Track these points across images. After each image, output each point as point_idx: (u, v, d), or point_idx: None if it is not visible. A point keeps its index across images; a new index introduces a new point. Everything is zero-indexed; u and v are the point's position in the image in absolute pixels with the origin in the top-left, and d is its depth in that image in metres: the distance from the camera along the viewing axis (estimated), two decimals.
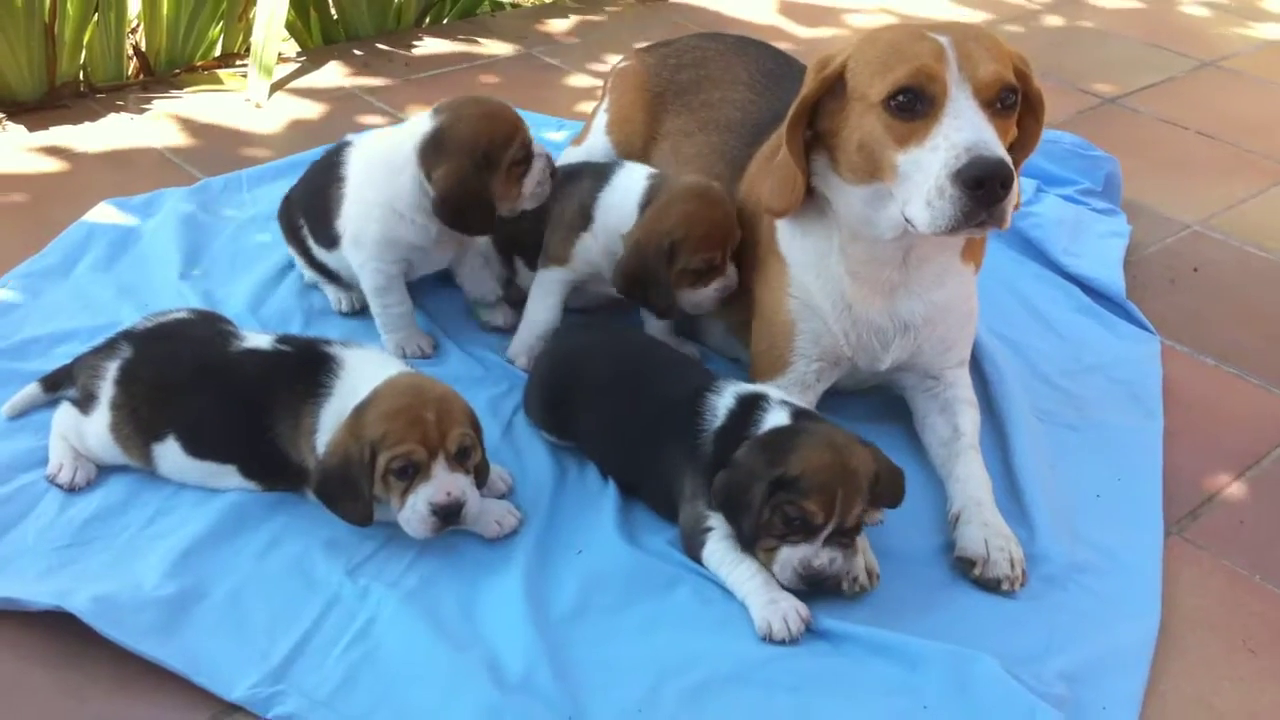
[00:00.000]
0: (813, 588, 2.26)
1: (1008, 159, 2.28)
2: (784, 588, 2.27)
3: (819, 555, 2.23)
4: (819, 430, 2.29)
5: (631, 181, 2.89)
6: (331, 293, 3.12)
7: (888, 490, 2.32)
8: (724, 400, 2.42)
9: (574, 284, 2.97)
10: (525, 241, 3.03)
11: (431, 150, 2.78)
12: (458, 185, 2.75)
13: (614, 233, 2.85)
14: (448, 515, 2.30)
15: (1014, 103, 2.39)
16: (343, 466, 2.28)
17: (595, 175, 2.95)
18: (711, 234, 2.77)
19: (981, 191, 2.25)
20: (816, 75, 2.51)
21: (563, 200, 2.96)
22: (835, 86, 2.49)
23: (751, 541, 2.28)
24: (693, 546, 2.39)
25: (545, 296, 2.95)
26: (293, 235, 3.11)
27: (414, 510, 2.29)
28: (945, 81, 2.32)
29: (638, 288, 2.80)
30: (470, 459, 2.35)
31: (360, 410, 2.31)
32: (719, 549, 2.34)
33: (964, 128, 2.29)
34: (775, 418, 2.35)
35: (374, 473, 2.28)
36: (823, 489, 2.20)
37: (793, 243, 2.71)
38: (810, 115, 2.54)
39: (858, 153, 2.44)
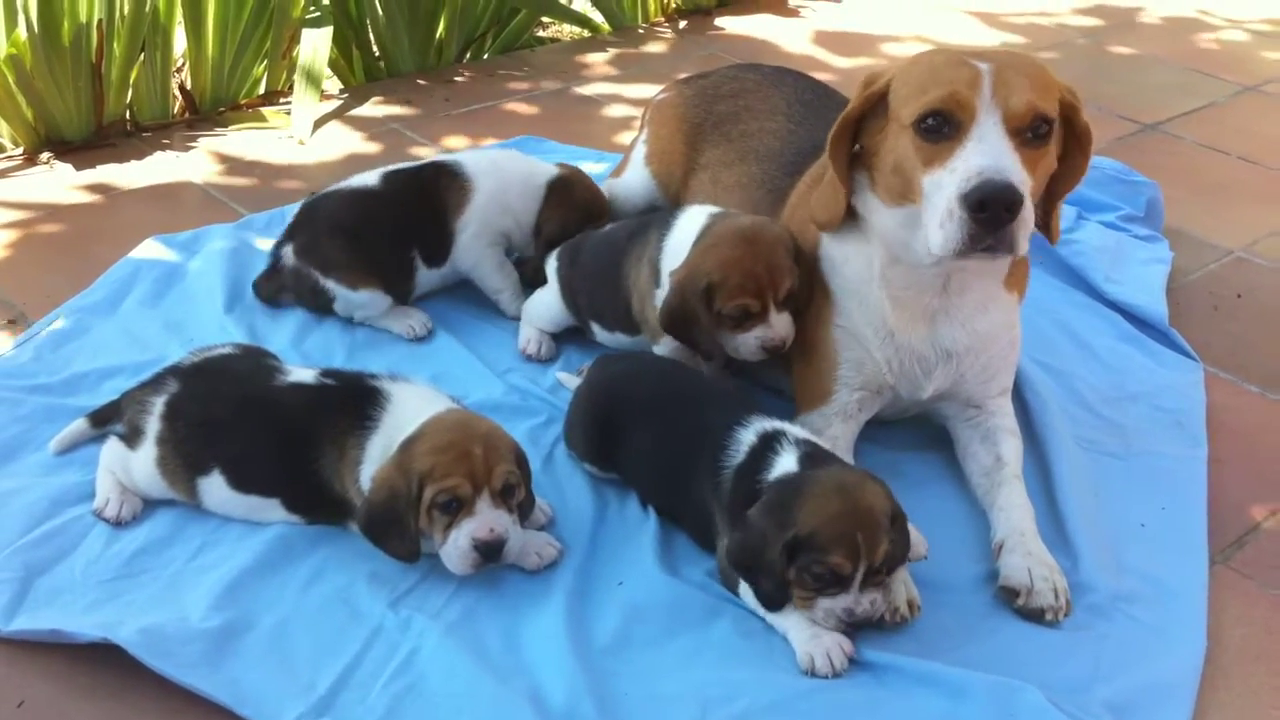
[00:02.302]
0: (855, 627, 2.25)
1: (1022, 185, 2.28)
2: None
3: (860, 603, 2.21)
4: (824, 477, 2.24)
5: (692, 224, 2.84)
6: (400, 322, 3.17)
7: (902, 525, 2.27)
8: (747, 435, 2.40)
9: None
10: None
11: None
12: (678, 309, 2.73)
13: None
14: (489, 552, 2.31)
15: (1047, 133, 2.39)
16: (389, 501, 2.30)
17: (660, 227, 2.90)
18: (747, 281, 2.67)
19: (985, 215, 2.26)
20: (862, 92, 2.54)
21: (631, 263, 2.94)
22: (878, 105, 2.52)
23: (774, 603, 2.25)
24: (729, 582, 2.39)
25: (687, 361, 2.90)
26: (374, 266, 3.17)
27: (456, 545, 2.30)
28: (974, 108, 2.33)
29: (680, 327, 2.74)
30: (514, 496, 2.36)
31: (408, 444, 2.32)
32: None
33: (983, 152, 2.31)
34: (784, 462, 2.31)
35: (419, 506, 2.29)
36: (841, 539, 2.16)
37: (835, 270, 2.72)
38: (855, 132, 2.57)
39: (893, 173, 2.47)
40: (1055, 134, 2.44)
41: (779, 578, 2.20)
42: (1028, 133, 2.35)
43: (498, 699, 2.13)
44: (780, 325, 2.72)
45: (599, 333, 3.09)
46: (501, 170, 3.27)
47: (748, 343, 2.74)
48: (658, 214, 3.04)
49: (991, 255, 2.35)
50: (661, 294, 2.82)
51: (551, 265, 3.15)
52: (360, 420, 2.42)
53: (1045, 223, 2.60)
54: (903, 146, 2.43)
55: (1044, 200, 2.56)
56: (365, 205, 3.19)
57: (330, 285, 3.13)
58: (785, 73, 3.40)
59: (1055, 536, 2.58)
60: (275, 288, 3.22)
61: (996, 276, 2.64)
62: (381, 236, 3.17)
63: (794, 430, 2.41)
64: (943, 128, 2.36)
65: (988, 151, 2.30)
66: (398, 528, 2.31)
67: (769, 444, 2.35)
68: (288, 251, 3.17)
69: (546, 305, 3.14)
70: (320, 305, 3.19)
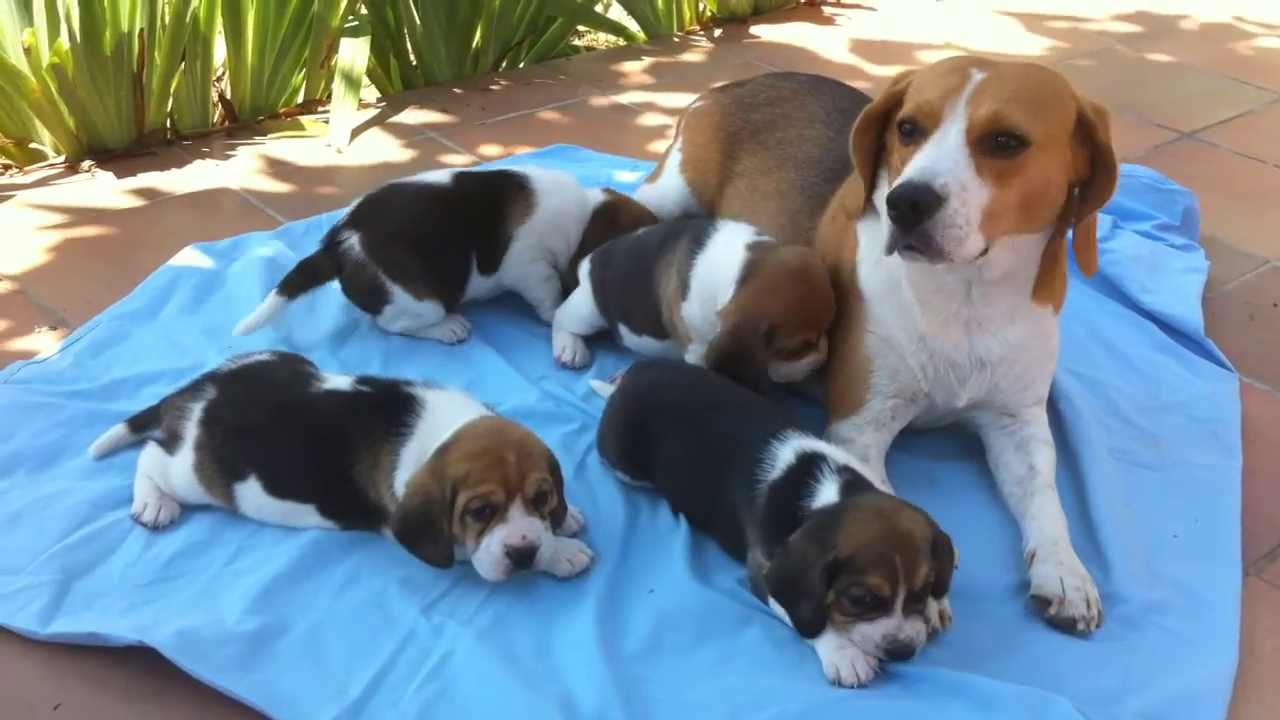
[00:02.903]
0: (894, 657, 2.22)
1: (948, 188, 2.31)
2: None
3: (903, 629, 2.18)
4: (864, 504, 2.24)
5: (730, 250, 2.83)
6: (442, 328, 3.19)
7: (946, 554, 2.27)
8: (785, 453, 2.39)
9: None
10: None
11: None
12: (733, 351, 2.74)
13: (710, 300, 2.82)
14: (520, 558, 2.33)
15: (1015, 147, 2.37)
16: (424, 507, 2.32)
17: (692, 239, 2.91)
18: (811, 318, 2.73)
19: (895, 214, 2.33)
20: (887, 90, 2.59)
21: (661, 270, 2.96)
22: (897, 105, 2.56)
23: (812, 630, 2.24)
24: (758, 591, 2.40)
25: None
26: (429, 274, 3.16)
27: (488, 551, 2.32)
28: (940, 115, 2.39)
29: (732, 366, 2.74)
30: (547, 504, 2.38)
31: (443, 451, 2.34)
32: None
33: (926, 155, 2.37)
34: (826, 492, 2.30)
35: (453, 512, 2.31)
36: (880, 560, 2.15)
37: (870, 274, 2.73)
38: (881, 129, 2.63)
39: (893, 171, 2.51)
40: (1058, 151, 2.43)
41: (818, 602, 2.20)
42: (991, 143, 2.36)
43: (529, 705, 2.14)
44: (824, 345, 2.80)
45: (626, 336, 3.11)
46: (564, 191, 3.29)
47: (797, 369, 2.79)
48: (690, 224, 3.04)
49: (913, 257, 2.40)
50: (689, 306, 2.85)
51: (584, 268, 3.17)
52: (395, 427, 2.45)
53: (1079, 249, 2.59)
54: (897, 145, 2.50)
55: (1086, 234, 2.55)
56: (436, 206, 3.19)
57: (395, 291, 3.12)
58: (822, 81, 3.41)
59: (1087, 546, 2.58)
60: (325, 273, 3.15)
61: (1020, 288, 2.63)
62: (447, 239, 3.18)
63: (834, 454, 2.39)
64: (914, 132, 2.44)
65: (931, 155, 2.37)
66: (431, 533, 2.33)
67: (809, 468, 2.34)
68: (354, 243, 3.11)
69: (578, 306, 3.16)
70: (369, 305, 3.18)
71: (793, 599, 2.24)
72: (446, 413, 2.45)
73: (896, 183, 2.37)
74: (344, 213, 3.21)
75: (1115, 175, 2.47)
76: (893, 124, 2.56)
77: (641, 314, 3.04)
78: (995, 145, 2.37)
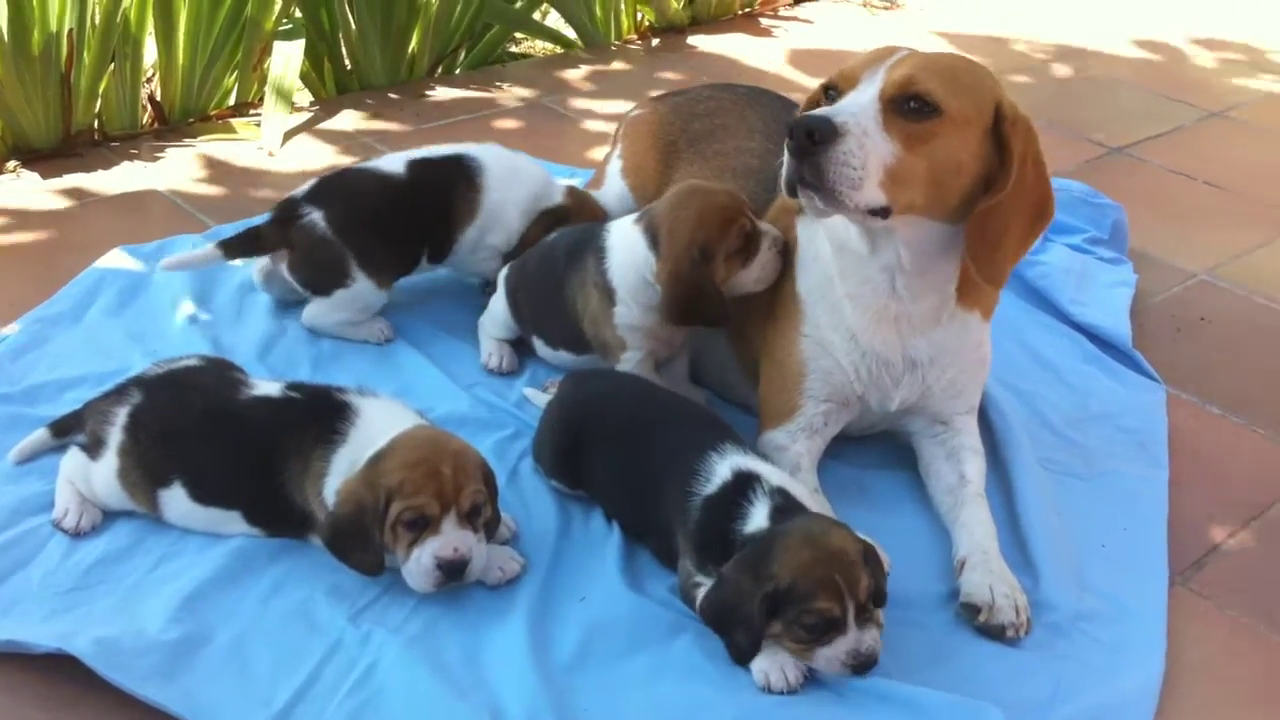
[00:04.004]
0: (860, 670, 2.20)
1: (847, 126, 2.33)
2: None
3: (862, 641, 2.18)
4: (792, 531, 2.23)
5: (628, 235, 2.85)
6: (368, 328, 3.18)
7: (876, 562, 2.27)
8: (720, 469, 2.38)
9: (651, 356, 2.92)
10: None
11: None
12: (686, 284, 2.74)
13: (643, 288, 2.82)
14: (452, 571, 2.30)
15: (928, 112, 2.39)
16: (355, 514, 2.29)
17: (593, 253, 2.91)
18: (728, 213, 2.73)
19: (791, 143, 2.35)
20: (827, 79, 2.59)
21: (575, 290, 2.94)
22: None
23: (745, 656, 2.23)
24: (688, 599, 2.39)
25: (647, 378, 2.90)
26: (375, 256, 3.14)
27: (418, 563, 2.30)
28: (857, 79, 2.44)
29: (692, 311, 2.75)
30: (480, 516, 2.36)
31: (377, 459, 2.32)
32: None
33: (838, 103, 2.40)
34: (757, 516, 2.29)
35: (385, 521, 2.28)
36: (822, 583, 2.15)
37: (805, 272, 2.74)
38: None
39: None
40: (971, 134, 2.44)
41: (755, 631, 2.19)
42: (903, 106, 2.39)
43: (456, 714, 2.11)
44: (768, 232, 2.80)
45: (540, 348, 3.10)
46: (514, 184, 3.26)
47: (758, 275, 2.79)
48: (583, 236, 3.01)
49: (808, 196, 2.40)
50: (622, 309, 2.85)
51: (502, 275, 3.16)
52: (327, 434, 2.42)
53: (976, 249, 2.50)
54: None
55: (984, 233, 2.49)
56: (396, 194, 3.17)
57: (358, 276, 3.09)
58: (761, 93, 3.41)
59: (1017, 555, 2.59)
60: (269, 244, 3.12)
61: (942, 285, 2.63)
62: (405, 228, 3.18)
63: (768, 475, 2.37)
64: (834, 96, 2.47)
65: (841, 102, 2.40)
66: (362, 541, 2.30)
67: (743, 488, 2.34)
68: (317, 219, 3.06)
69: (498, 312, 3.14)
70: (320, 284, 3.12)
71: (728, 628, 2.24)
72: (380, 420, 2.43)
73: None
74: (299, 189, 3.17)
75: (1011, 174, 2.44)
76: None
77: (558, 329, 3.03)
78: (907, 108, 2.39)
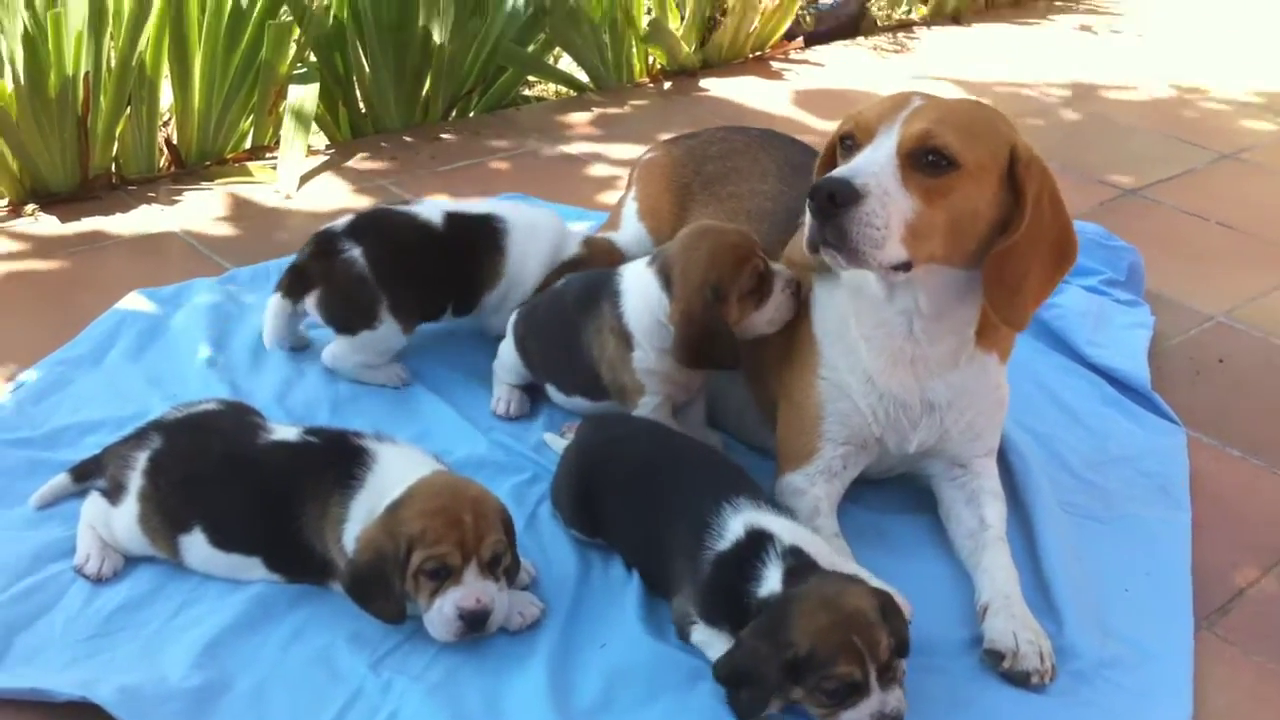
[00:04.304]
0: None
1: (868, 188, 2.34)
2: None
3: (887, 703, 2.16)
4: (807, 594, 2.20)
5: (641, 278, 2.85)
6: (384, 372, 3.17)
7: (896, 613, 2.25)
8: (734, 525, 2.36)
9: (669, 401, 2.92)
10: None
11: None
12: (699, 326, 2.74)
13: (659, 331, 2.81)
14: (475, 622, 2.30)
15: (945, 166, 2.39)
16: (375, 562, 2.28)
17: (607, 299, 2.90)
18: (740, 251, 2.73)
19: (813, 204, 2.36)
20: (842, 124, 2.60)
21: (590, 337, 2.93)
22: None
23: (749, 715, 2.22)
24: (682, 633, 2.40)
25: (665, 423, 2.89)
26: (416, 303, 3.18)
27: (440, 613, 2.29)
28: (874, 131, 2.44)
29: (704, 353, 2.75)
30: (501, 564, 2.35)
31: (396, 506, 2.31)
32: (704, 634, 2.36)
33: (856, 160, 2.42)
34: (770, 579, 2.27)
35: (406, 570, 2.27)
36: (841, 648, 2.13)
37: (821, 314, 2.74)
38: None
39: None
40: (988, 182, 2.44)
41: (765, 694, 2.18)
42: (921, 159, 2.39)
43: None
44: (779, 273, 2.80)
45: (555, 395, 3.09)
46: (533, 242, 3.25)
47: (771, 316, 2.79)
48: (595, 281, 3.00)
49: (831, 255, 2.41)
50: (640, 354, 2.85)
51: (511, 321, 3.15)
52: (344, 479, 2.41)
53: (995, 291, 2.50)
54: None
55: (1001, 276, 2.49)
56: (431, 244, 3.17)
57: (386, 320, 3.09)
58: (774, 135, 3.42)
59: (1040, 600, 2.58)
60: (314, 279, 3.10)
61: (961, 329, 2.63)
62: (437, 279, 3.19)
63: (782, 534, 2.34)
64: (852, 147, 2.48)
65: (859, 159, 2.41)
66: (383, 589, 2.29)
67: (756, 548, 2.31)
68: (357, 256, 3.07)
69: (507, 358, 3.14)
70: (347, 323, 3.11)
71: (736, 685, 2.22)
72: (397, 466, 2.42)
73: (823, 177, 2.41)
74: (336, 223, 3.17)
75: (1025, 215, 2.44)
76: None
77: (572, 376, 3.02)
78: (925, 162, 2.39)
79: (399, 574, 2.27)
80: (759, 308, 2.78)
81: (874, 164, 2.39)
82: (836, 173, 2.40)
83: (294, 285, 3.11)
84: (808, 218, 2.41)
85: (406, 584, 2.29)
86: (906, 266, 2.43)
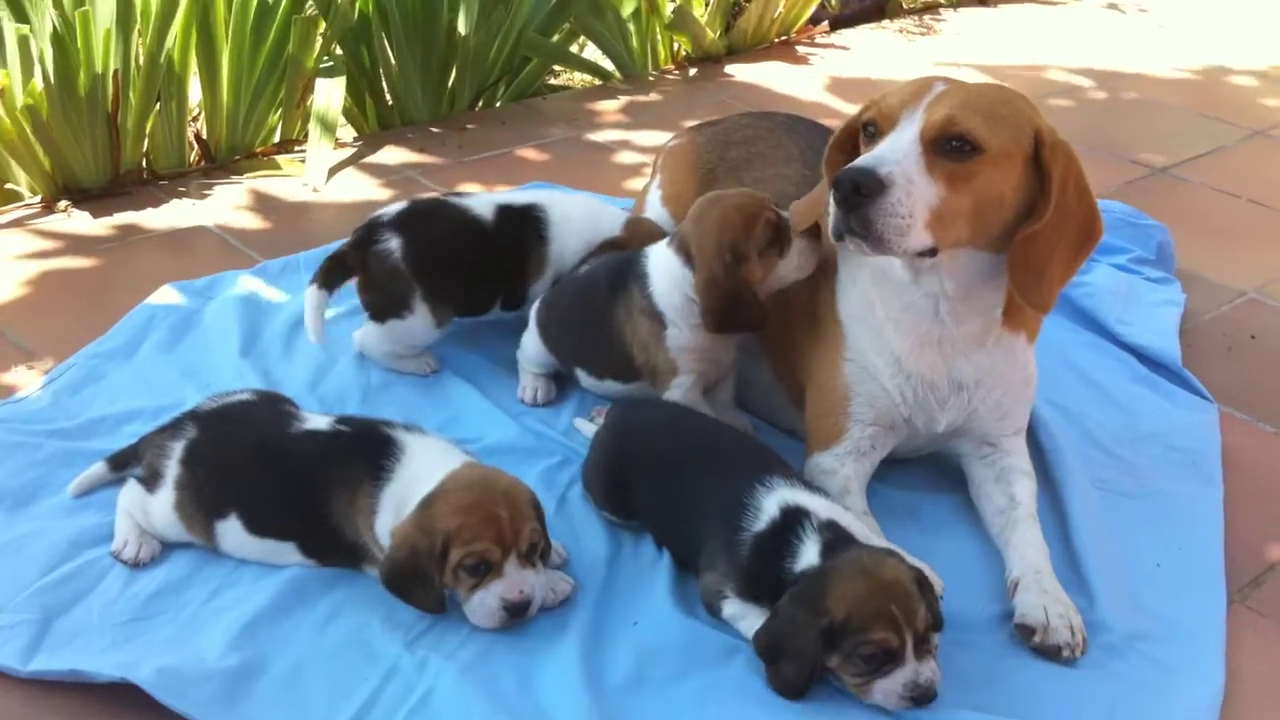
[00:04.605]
0: (919, 702, 2.19)
1: (892, 176, 2.34)
2: None
3: (920, 673, 2.17)
4: (845, 564, 2.22)
5: (662, 259, 2.88)
6: (414, 362, 3.20)
7: (929, 588, 2.27)
8: (769, 504, 2.37)
9: (702, 380, 2.93)
10: None
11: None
12: (724, 290, 2.75)
13: (684, 307, 2.83)
14: (517, 611, 2.32)
15: (969, 151, 2.39)
16: (411, 559, 2.30)
17: (636, 280, 2.92)
18: (751, 208, 2.75)
19: (839, 195, 2.37)
20: (861, 109, 2.61)
21: (622, 319, 2.94)
22: None
23: (795, 690, 2.23)
24: (713, 609, 2.42)
25: (693, 405, 2.89)
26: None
27: (484, 605, 2.32)
28: (897, 118, 2.44)
29: (729, 318, 2.76)
30: (537, 552, 2.37)
31: (428, 504, 2.32)
32: (735, 609, 2.37)
33: (879, 147, 2.42)
34: (807, 553, 2.28)
35: (445, 566, 2.29)
36: (879, 615, 2.15)
37: (846, 296, 2.74)
38: (855, 149, 2.62)
39: None
40: (1012, 167, 2.44)
41: (809, 664, 2.19)
42: (944, 145, 2.39)
43: None
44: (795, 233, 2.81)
45: (585, 380, 3.10)
46: (571, 231, 3.24)
47: (795, 266, 2.80)
48: (621, 265, 3.02)
49: (856, 244, 2.42)
50: (673, 331, 2.86)
51: (533, 310, 3.16)
52: (374, 470, 2.43)
53: (1020, 274, 2.50)
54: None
55: (1027, 260, 2.48)
56: (479, 239, 3.17)
57: (419, 309, 3.10)
58: (798, 120, 3.42)
59: (1071, 576, 2.58)
60: (351, 269, 3.13)
61: (989, 311, 2.63)
62: (483, 273, 3.19)
63: (817, 510, 2.36)
64: (874, 134, 2.49)
65: (883, 147, 2.41)
66: (422, 583, 2.31)
67: (792, 524, 2.33)
68: (393, 248, 3.09)
69: (530, 347, 3.15)
70: (381, 311, 3.14)
71: (780, 662, 2.23)
72: (427, 458, 2.44)
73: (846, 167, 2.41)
74: (386, 211, 3.18)
75: (1051, 200, 2.43)
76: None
77: (603, 359, 3.03)
78: (949, 148, 2.39)
79: (437, 570, 2.29)
80: (782, 258, 2.79)
81: (897, 151, 2.39)
82: (860, 162, 2.40)
83: (330, 275, 3.12)
84: (831, 207, 2.42)
85: (445, 579, 2.31)
86: (932, 252, 2.44)
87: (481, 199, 3.28)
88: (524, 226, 3.22)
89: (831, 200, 2.41)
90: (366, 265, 3.11)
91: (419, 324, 3.12)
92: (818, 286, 2.83)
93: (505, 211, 3.22)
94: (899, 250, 2.40)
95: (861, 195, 2.35)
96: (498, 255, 3.19)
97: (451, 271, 3.13)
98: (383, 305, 3.13)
